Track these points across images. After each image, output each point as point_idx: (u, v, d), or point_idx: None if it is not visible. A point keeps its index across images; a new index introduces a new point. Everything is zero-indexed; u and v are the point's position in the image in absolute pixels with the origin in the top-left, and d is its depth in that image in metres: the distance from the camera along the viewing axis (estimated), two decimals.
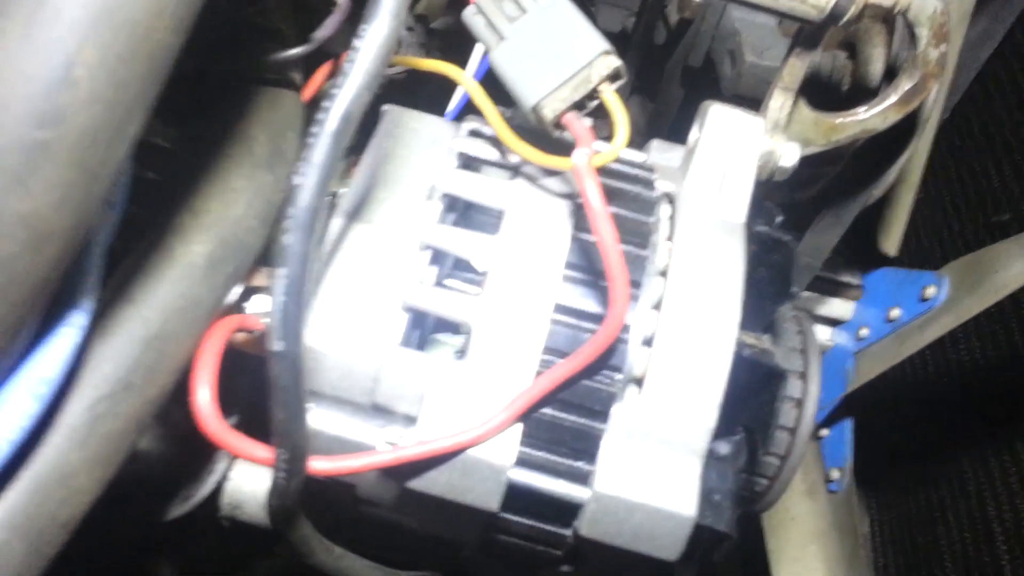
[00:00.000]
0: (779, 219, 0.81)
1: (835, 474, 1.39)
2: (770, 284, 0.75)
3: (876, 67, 0.98)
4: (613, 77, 0.64)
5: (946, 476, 1.34)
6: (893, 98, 0.84)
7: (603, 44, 0.64)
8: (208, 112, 0.73)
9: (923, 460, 1.40)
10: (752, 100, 0.96)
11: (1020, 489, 1.21)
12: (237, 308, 0.69)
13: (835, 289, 1.38)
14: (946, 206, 1.39)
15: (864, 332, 1.34)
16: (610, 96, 0.64)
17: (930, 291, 1.23)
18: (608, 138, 0.65)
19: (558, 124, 0.65)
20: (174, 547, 0.94)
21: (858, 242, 1.30)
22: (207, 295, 0.61)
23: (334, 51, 0.81)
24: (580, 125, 0.64)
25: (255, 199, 0.66)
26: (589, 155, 0.63)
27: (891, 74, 0.96)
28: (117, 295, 0.55)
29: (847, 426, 1.39)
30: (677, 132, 0.88)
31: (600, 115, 0.68)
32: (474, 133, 0.78)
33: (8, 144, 0.37)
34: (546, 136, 0.68)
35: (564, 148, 0.65)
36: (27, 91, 0.37)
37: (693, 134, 0.81)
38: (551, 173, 0.73)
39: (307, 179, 0.50)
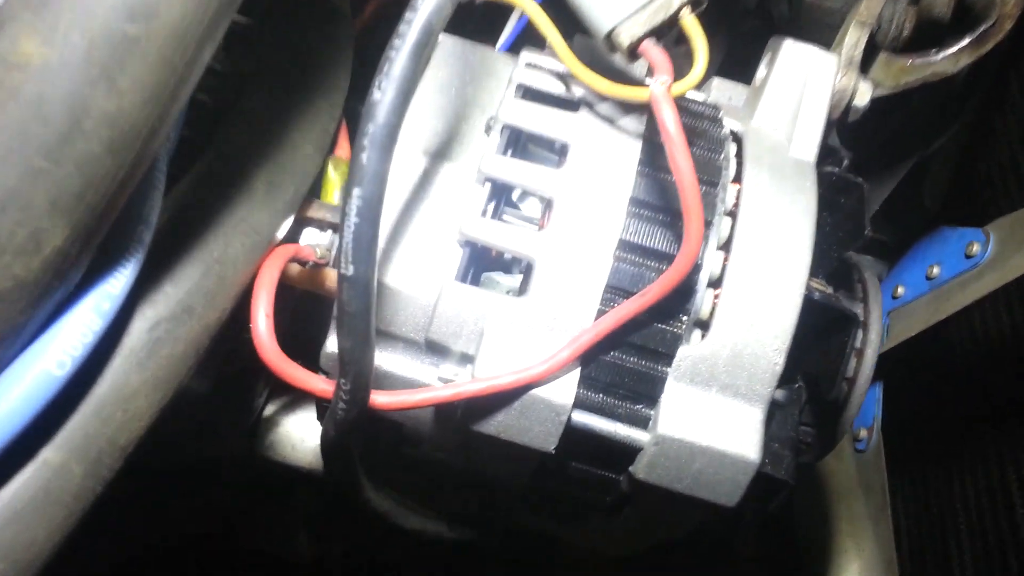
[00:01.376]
0: (846, 161, 0.78)
1: (863, 433, 1.37)
2: (837, 228, 0.73)
3: (940, 11, 0.94)
4: (695, 3, 0.60)
5: (968, 443, 1.32)
6: (967, 39, 0.81)
7: None
8: (261, 37, 0.69)
9: (945, 426, 1.38)
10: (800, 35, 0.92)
11: None
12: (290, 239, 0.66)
13: (868, 246, 1.35)
14: (991, 162, 1.35)
15: (901, 290, 1.31)
16: (691, 22, 0.61)
17: (975, 248, 1.20)
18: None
19: (634, 51, 0.61)
20: (207, 483, 0.92)
21: (896, 197, 1.26)
22: (266, 221, 0.58)
23: None
24: (658, 52, 0.61)
25: (310, 126, 0.63)
26: (668, 83, 0.59)
27: (956, 20, 0.92)
28: (178, 217, 0.52)
29: (876, 386, 1.37)
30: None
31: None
32: (533, 65, 0.75)
33: (97, 37, 0.34)
34: (609, 69, 0.65)
35: (624, 79, 0.62)
36: None
37: (761, 71, 0.77)
38: (617, 106, 0.69)
39: (386, 94, 0.47)
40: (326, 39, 0.72)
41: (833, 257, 0.73)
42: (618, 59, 0.64)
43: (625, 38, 0.61)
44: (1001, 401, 1.24)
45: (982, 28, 0.78)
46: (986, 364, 1.31)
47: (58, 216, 0.36)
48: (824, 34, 0.91)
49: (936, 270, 1.26)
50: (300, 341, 0.67)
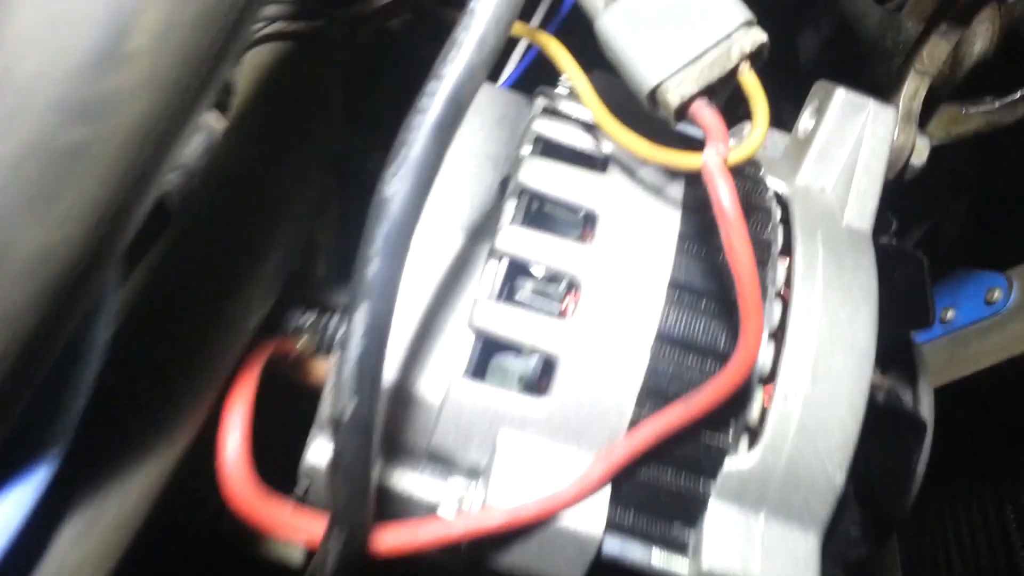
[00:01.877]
0: (895, 225, 0.69)
1: None
2: (893, 306, 0.63)
3: (983, 48, 0.85)
4: (756, 55, 0.50)
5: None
6: None
7: (745, 12, 0.50)
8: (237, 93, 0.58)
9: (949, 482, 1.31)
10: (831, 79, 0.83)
11: None
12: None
13: None
14: (1010, 201, 1.28)
15: None
16: (750, 79, 0.51)
17: (996, 294, 1.12)
18: None
19: (683, 112, 0.51)
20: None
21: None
22: (242, 312, 0.47)
23: None
24: (711, 115, 0.51)
25: (295, 188, 0.53)
26: (724, 154, 0.49)
27: (1003, 60, 0.84)
28: (127, 330, 0.41)
29: None
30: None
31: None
32: (552, 111, 0.64)
33: (30, 146, 0.23)
34: (642, 118, 0.55)
35: (657, 129, 0.52)
36: (61, 69, 0.23)
37: (806, 121, 0.68)
38: (651, 166, 0.59)
39: (402, 189, 0.36)
40: (309, 92, 0.60)
41: (889, 338, 0.63)
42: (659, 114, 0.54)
43: (674, 96, 0.50)
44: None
45: None
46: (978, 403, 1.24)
47: None
48: (858, 73, 0.82)
49: (951, 313, 1.18)
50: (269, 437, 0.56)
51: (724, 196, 0.49)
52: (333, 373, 0.39)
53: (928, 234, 0.99)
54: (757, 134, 0.51)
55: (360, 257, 0.37)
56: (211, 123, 0.56)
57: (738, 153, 0.50)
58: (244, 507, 0.44)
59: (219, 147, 0.53)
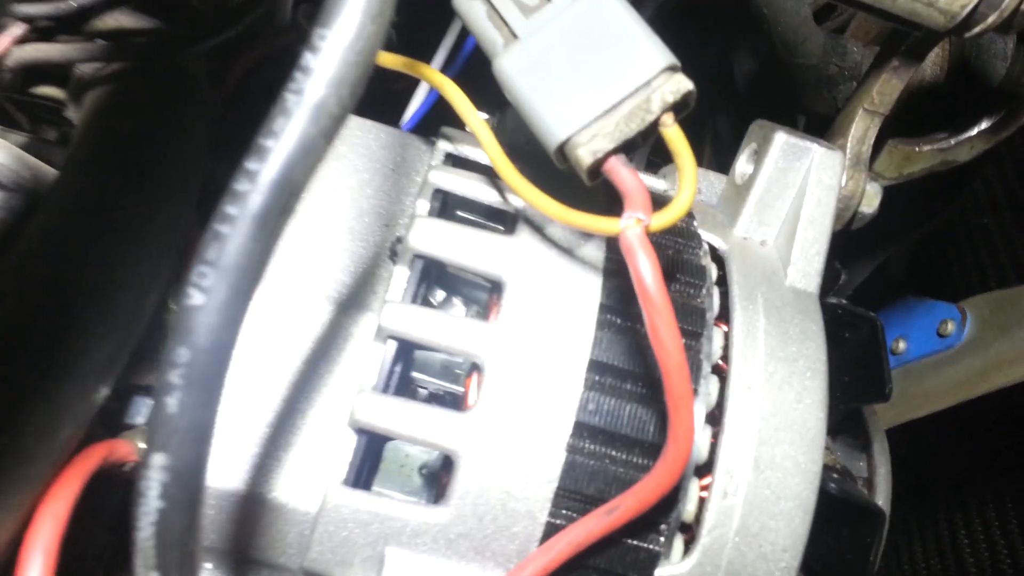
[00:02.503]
0: (844, 277, 0.63)
1: None
2: (844, 372, 0.56)
3: (934, 76, 0.79)
4: (681, 106, 0.43)
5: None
6: (984, 123, 0.66)
7: (667, 56, 0.43)
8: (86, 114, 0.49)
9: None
10: (770, 109, 0.77)
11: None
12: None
13: None
14: (960, 231, 1.23)
15: None
16: (674, 132, 0.43)
17: (950, 327, 1.07)
18: None
19: (595, 172, 0.43)
20: None
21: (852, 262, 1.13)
22: (64, 405, 0.38)
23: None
24: (629, 175, 0.43)
25: (150, 237, 0.44)
26: (645, 223, 0.42)
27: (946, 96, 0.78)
28: None
29: None
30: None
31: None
32: (453, 159, 0.56)
33: None
34: (546, 164, 0.47)
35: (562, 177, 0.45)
36: None
37: (743, 164, 0.61)
38: (568, 228, 0.51)
39: (213, 298, 0.28)
40: (173, 115, 0.51)
41: (840, 410, 0.57)
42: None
43: (585, 154, 0.42)
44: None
45: (1003, 112, 0.63)
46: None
47: None
48: (797, 97, 0.75)
49: (902, 345, 1.13)
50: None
51: (646, 273, 0.41)
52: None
53: (874, 269, 0.93)
54: (684, 198, 0.43)
55: (158, 386, 0.28)
56: (31, 184, 0.47)
57: (661, 219, 0.43)
58: None
59: (49, 185, 0.43)
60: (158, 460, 0.28)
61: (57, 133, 0.65)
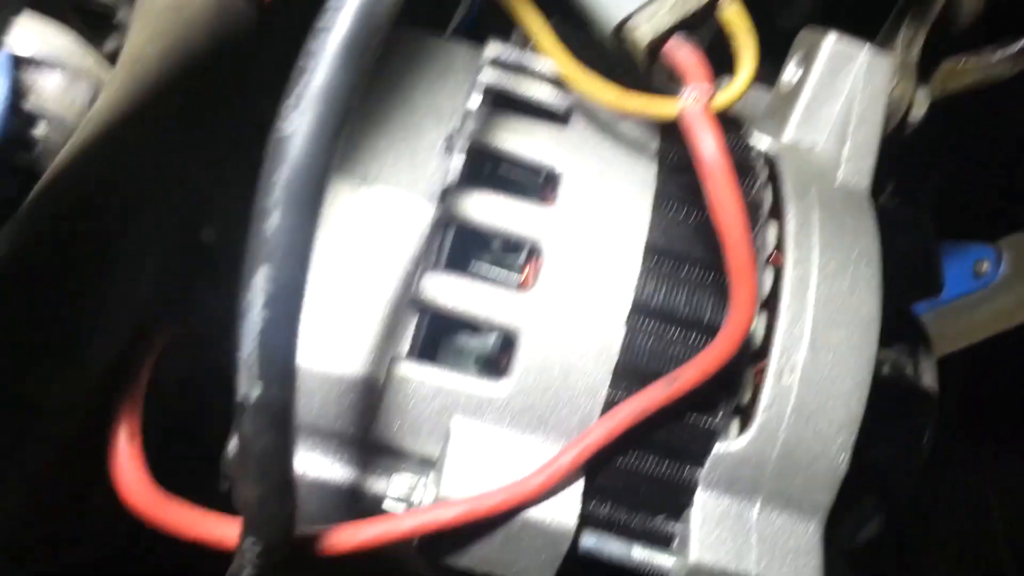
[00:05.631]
0: (891, 185, 0.63)
1: None
2: (895, 273, 0.57)
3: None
4: None
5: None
6: None
7: None
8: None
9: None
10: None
11: None
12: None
13: None
14: (995, 167, 1.22)
15: None
16: (735, 12, 0.44)
17: (985, 266, 1.07)
18: None
19: (655, 52, 0.44)
20: None
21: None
22: (132, 291, 0.40)
23: None
24: (689, 53, 0.44)
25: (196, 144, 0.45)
26: (708, 96, 0.43)
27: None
28: None
29: None
30: None
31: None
32: (501, 62, 0.57)
33: None
34: (606, 73, 0.48)
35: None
36: None
37: (791, 71, 0.61)
38: (621, 118, 0.53)
39: (303, 125, 0.29)
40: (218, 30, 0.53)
41: (890, 312, 0.57)
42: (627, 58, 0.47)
43: (645, 32, 0.44)
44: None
45: None
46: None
47: None
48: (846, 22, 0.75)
49: None
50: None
51: (708, 147, 0.42)
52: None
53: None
54: (745, 74, 0.44)
55: (257, 210, 0.30)
56: (95, 71, 0.48)
57: (723, 96, 0.44)
58: (144, 511, 0.37)
59: (105, 107, 0.45)
60: (262, 274, 0.30)
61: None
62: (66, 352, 0.37)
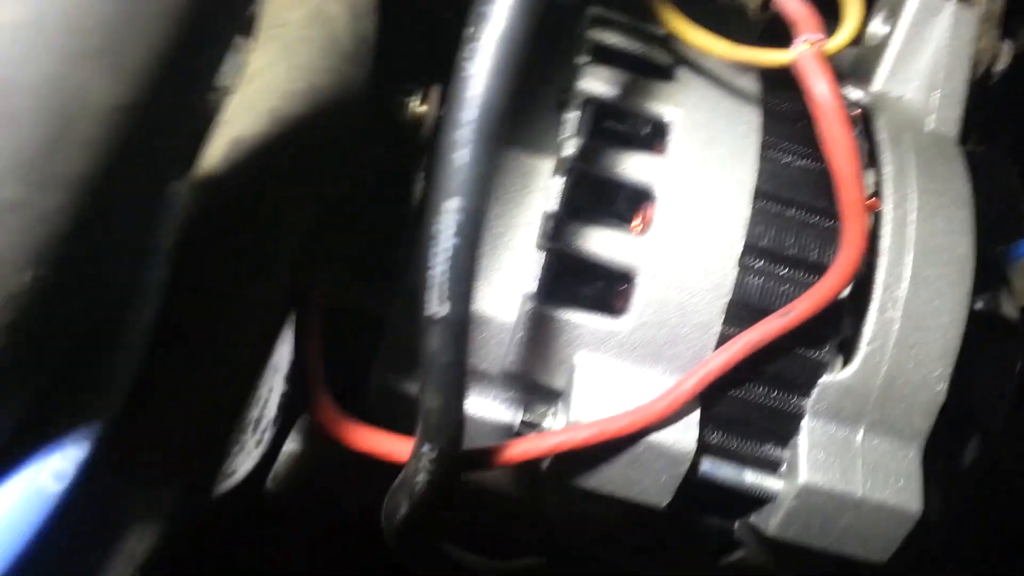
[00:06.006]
0: (975, 133, 0.65)
1: None
2: (984, 215, 0.60)
3: None
4: None
5: None
6: None
7: None
8: None
9: None
10: None
11: None
12: None
13: None
14: None
15: None
16: None
17: None
18: None
19: (767, 3, 0.47)
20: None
21: None
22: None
23: None
24: (799, 4, 0.47)
25: None
26: (820, 44, 0.46)
27: None
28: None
29: None
30: None
31: None
32: (602, 20, 0.61)
33: None
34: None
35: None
36: None
37: (877, 26, 0.64)
38: (722, 67, 0.56)
39: (488, 62, 0.33)
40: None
41: (980, 252, 0.60)
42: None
43: None
44: None
45: None
46: None
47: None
48: None
49: None
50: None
51: (821, 88, 0.46)
52: (418, 277, 0.36)
53: None
54: (853, 21, 0.47)
55: (444, 143, 0.33)
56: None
57: (834, 43, 0.47)
58: (342, 437, 0.42)
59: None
60: (452, 204, 0.34)
61: None
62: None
